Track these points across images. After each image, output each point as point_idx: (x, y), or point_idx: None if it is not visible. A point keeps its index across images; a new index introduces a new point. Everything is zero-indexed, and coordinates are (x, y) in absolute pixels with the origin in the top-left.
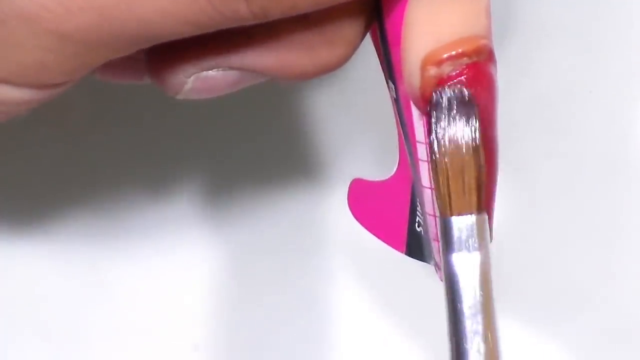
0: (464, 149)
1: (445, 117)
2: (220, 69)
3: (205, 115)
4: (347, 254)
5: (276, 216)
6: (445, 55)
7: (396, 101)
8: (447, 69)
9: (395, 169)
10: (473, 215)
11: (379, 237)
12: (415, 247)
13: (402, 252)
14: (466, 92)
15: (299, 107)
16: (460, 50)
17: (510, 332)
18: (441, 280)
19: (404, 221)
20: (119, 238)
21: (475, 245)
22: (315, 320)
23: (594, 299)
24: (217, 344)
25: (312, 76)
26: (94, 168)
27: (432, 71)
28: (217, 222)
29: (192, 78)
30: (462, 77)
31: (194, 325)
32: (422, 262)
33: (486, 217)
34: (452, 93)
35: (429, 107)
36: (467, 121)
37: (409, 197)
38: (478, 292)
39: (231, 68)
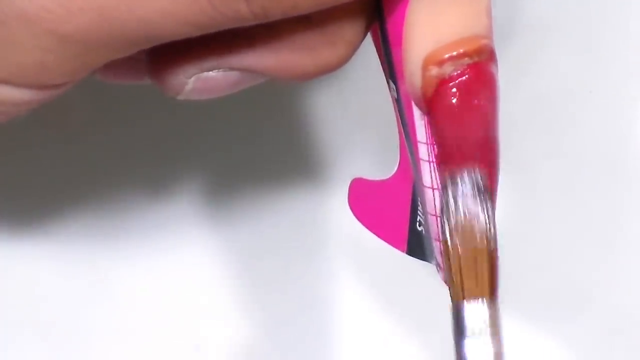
0: (477, 238)
1: (460, 204)
2: (220, 70)
3: (206, 116)
4: (348, 253)
5: (277, 216)
6: (446, 56)
7: (397, 101)
8: (448, 69)
9: (396, 168)
10: (485, 301)
11: (379, 237)
12: (417, 247)
13: (403, 251)
14: (482, 180)
15: (300, 107)
16: (461, 51)
17: (510, 331)
18: (443, 281)
19: (405, 220)
20: (119, 238)
21: (488, 331)
22: (317, 319)
23: (594, 298)
24: (218, 344)
25: (312, 76)
26: (94, 168)
27: (434, 71)
28: (218, 222)
29: (192, 79)
30: (464, 77)
31: (195, 325)
32: (423, 262)
33: (498, 303)
34: (468, 180)
35: (444, 190)
36: (483, 210)
37: (409, 197)
38: None
39: (232, 68)
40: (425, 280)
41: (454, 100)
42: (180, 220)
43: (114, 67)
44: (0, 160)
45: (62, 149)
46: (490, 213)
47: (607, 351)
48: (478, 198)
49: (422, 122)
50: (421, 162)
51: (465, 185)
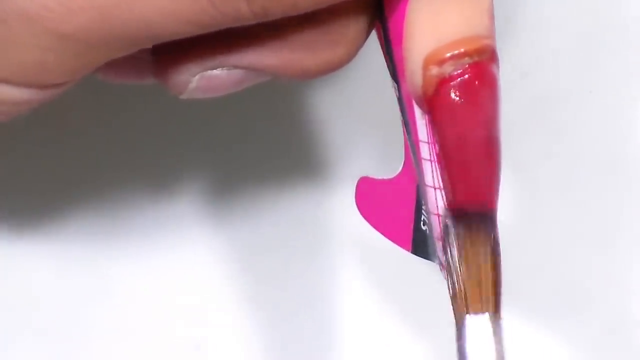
0: (481, 255)
1: (466, 230)
2: (224, 68)
3: (207, 115)
4: (350, 252)
5: (278, 215)
6: (447, 55)
7: (399, 100)
8: (448, 68)
9: (401, 167)
10: (488, 315)
11: (385, 235)
12: (421, 246)
13: (408, 250)
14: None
15: (301, 106)
16: (462, 50)
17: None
18: (445, 280)
19: (410, 219)
20: (119, 237)
21: (492, 345)
22: (318, 319)
23: (594, 297)
24: (218, 344)
25: (316, 75)
26: (94, 168)
27: (434, 71)
28: (219, 221)
29: (196, 77)
30: (464, 76)
31: (196, 324)
32: (427, 261)
33: (502, 319)
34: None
35: (452, 217)
36: (487, 231)
37: (414, 196)
38: None
39: (236, 67)
40: (428, 280)
41: (454, 100)
42: (180, 220)
43: (115, 66)
44: (0, 160)
45: (62, 148)
46: (495, 232)
47: (606, 350)
48: (485, 221)
49: (423, 121)
50: (423, 161)
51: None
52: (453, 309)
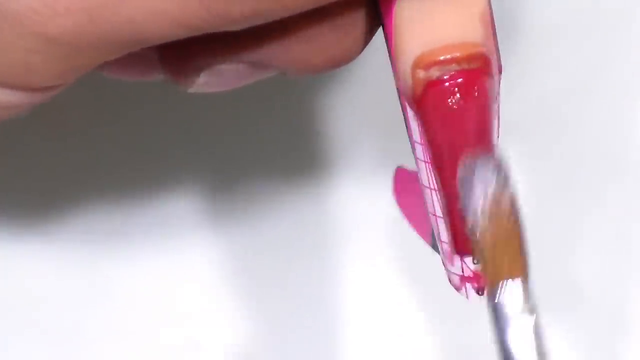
0: (505, 220)
1: (481, 191)
2: (232, 63)
3: (207, 115)
4: (351, 252)
5: (279, 215)
6: (434, 60)
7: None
8: (435, 73)
9: None
10: (521, 280)
11: (412, 227)
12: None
13: (428, 243)
14: (498, 158)
15: (303, 105)
16: (448, 56)
17: None
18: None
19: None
20: (119, 238)
21: (527, 309)
22: (319, 319)
23: (594, 296)
24: (218, 344)
25: (323, 70)
26: (94, 168)
27: (421, 74)
28: (219, 221)
29: (204, 71)
30: (451, 82)
31: (196, 325)
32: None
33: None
34: (485, 161)
35: (461, 180)
36: (506, 190)
37: None
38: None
39: (243, 62)
40: (430, 280)
41: (440, 105)
42: (180, 220)
43: (120, 63)
44: (0, 160)
45: (62, 148)
46: (513, 192)
47: (607, 350)
48: (500, 175)
49: (416, 122)
50: (419, 161)
51: (482, 171)
52: (486, 281)
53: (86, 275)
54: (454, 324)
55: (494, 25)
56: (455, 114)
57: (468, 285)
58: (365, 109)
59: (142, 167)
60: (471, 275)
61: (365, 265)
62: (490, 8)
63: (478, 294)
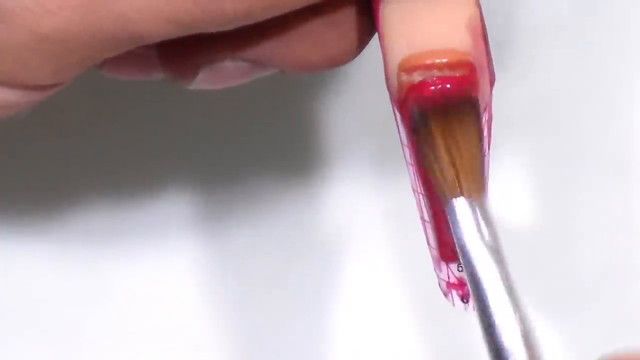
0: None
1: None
2: (232, 60)
3: (206, 116)
4: (348, 254)
5: (276, 216)
6: (416, 64)
7: None
8: (417, 77)
9: None
10: (480, 197)
11: None
12: None
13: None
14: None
15: (299, 107)
16: (430, 62)
17: None
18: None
19: None
20: (119, 238)
21: (488, 226)
22: (316, 320)
23: (595, 296)
24: (217, 344)
25: (322, 69)
26: (94, 168)
27: (404, 77)
28: (217, 222)
29: (204, 68)
30: (432, 87)
31: (195, 325)
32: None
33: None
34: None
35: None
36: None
37: None
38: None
39: (243, 59)
40: (425, 281)
41: (418, 107)
42: (180, 221)
43: (120, 62)
44: (0, 160)
45: (61, 148)
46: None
47: (606, 350)
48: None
49: (402, 124)
50: (407, 164)
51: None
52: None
53: (86, 275)
54: (449, 325)
55: (486, 36)
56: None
57: (454, 291)
58: (362, 109)
59: (142, 168)
60: (456, 282)
61: (361, 265)
62: (482, 19)
63: (462, 301)
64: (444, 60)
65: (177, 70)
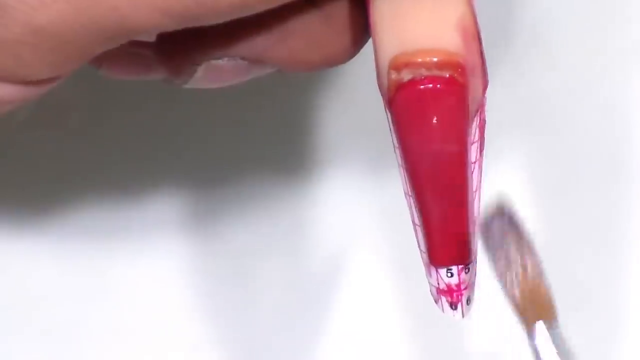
0: (530, 276)
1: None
2: (230, 58)
3: (203, 117)
4: (344, 254)
5: (273, 216)
6: (404, 62)
7: None
8: (406, 76)
9: None
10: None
11: None
12: None
13: None
14: (509, 210)
15: (296, 107)
16: (419, 60)
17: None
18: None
19: None
20: (118, 237)
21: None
22: (315, 319)
23: (594, 297)
24: (216, 343)
25: (320, 67)
26: (93, 168)
27: (393, 75)
28: (216, 222)
29: (202, 66)
30: (420, 86)
31: (194, 325)
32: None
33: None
34: (499, 220)
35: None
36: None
37: None
38: None
39: (241, 57)
40: (423, 282)
41: (407, 108)
42: (178, 220)
43: (116, 62)
44: (0, 160)
45: (61, 148)
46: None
47: (606, 350)
48: (514, 233)
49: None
50: (398, 166)
51: (499, 226)
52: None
53: (85, 275)
54: (446, 326)
55: (479, 37)
56: (420, 119)
57: (443, 298)
58: (360, 109)
59: (142, 168)
60: (445, 288)
61: (358, 265)
62: (475, 20)
63: (452, 308)
64: (434, 59)
65: (175, 68)
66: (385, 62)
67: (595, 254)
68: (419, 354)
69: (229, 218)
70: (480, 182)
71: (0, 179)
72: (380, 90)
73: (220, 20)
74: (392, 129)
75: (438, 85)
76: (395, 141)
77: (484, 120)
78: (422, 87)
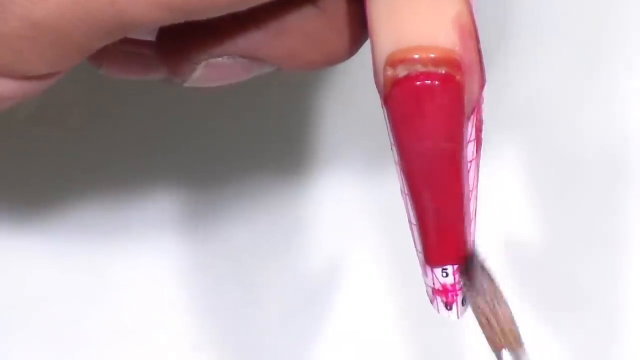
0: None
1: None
2: (230, 57)
3: (202, 116)
4: (342, 253)
5: (271, 215)
6: (400, 58)
7: None
8: (402, 72)
9: None
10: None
11: None
12: None
13: None
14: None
15: (294, 106)
16: (415, 56)
17: None
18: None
19: None
20: (117, 236)
21: None
22: (314, 319)
23: (593, 297)
24: (217, 343)
25: (319, 66)
26: (93, 167)
27: (389, 72)
28: (216, 222)
29: (201, 64)
30: (416, 83)
31: (193, 325)
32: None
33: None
34: (474, 263)
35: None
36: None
37: None
38: None
39: (240, 56)
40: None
41: (402, 104)
42: (177, 219)
43: (116, 61)
44: (0, 159)
45: (61, 148)
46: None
47: (606, 350)
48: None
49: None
50: (395, 165)
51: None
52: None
53: (85, 275)
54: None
55: (477, 35)
56: (416, 115)
57: (438, 298)
58: (358, 108)
59: (141, 168)
60: (440, 288)
61: (355, 264)
62: (472, 18)
63: (447, 308)
64: (430, 55)
65: (174, 66)
66: (381, 58)
67: (595, 254)
68: (416, 353)
69: (229, 217)
70: (477, 181)
71: (0, 178)
72: (377, 88)
73: (220, 14)
74: (388, 126)
75: (434, 82)
76: (391, 139)
77: (481, 120)
78: (417, 83)
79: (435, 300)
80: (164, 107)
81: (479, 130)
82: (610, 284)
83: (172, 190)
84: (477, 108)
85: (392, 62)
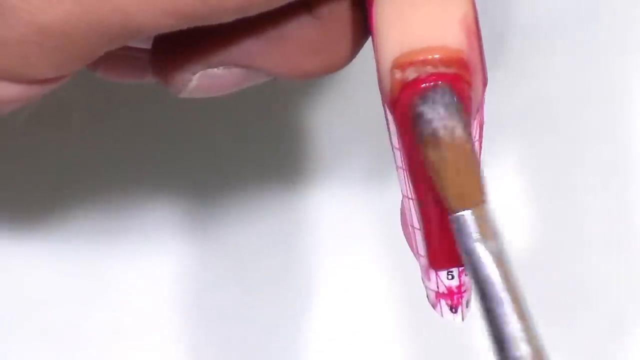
0: (459, 140)
1: (434, 122)
2: (225, 67)
3: (202, 121)
4: (340, 257)
5: (273, 219)
6: (410, 60)
7: None
8: (411, 74)
9: None
10: (482, 205)
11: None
12: None
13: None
14: (452, 95)
15: (293, 111)
16: (421, 58)
17: None
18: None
19: None
20: (117, 239)
21: (493, 233)
22: (313, 320)
23: (593, 297)
24: (216, 344)
25: (316, 75)
26: (94, 169)
27: (398, 75)
28: (216, 224)
29: (197, 75)
30: (425, 84)
31: (193, 328)
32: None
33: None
34: (439, 98)
35: (417, 116)
36: (460, 120)
37: None
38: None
39: (237, 66)
40: (419, 285)
41: (410, 105)
42: (177, 222)
43: (114, 65)
44: (0, 160)
45: (61, 149)
46: (466, 122)
47: (606, 350)
48: (451, 111)
49: (394, 126)
50: (398, 169)
51: (437, 104)
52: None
53: (85, 276)
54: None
55: (480, 36)
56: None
57: (442, 302)
58: (356, 113)
59: (141, 168)
60: (445, 291)
61: (354, 268)
62: (477, 19)
63: (452, 311)
64: (437, 56)
65: (169, 77)
66: (388, 62)
67: (595, 254)
68: (416, 355)
69: (229, 220)
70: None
71: (0, 179)
72: (381, 92)
73: (225, 20)
74: (392, 130)
75: (443, 82)
76: (396, 142)
77: (483, 120)
78: (427, 84)
79: (439, 304)
80: (165, 110)
81: (481, 130)
82: (610, 284)
83: (172, 194)
84: (480, 108)
85: (401, 65)
